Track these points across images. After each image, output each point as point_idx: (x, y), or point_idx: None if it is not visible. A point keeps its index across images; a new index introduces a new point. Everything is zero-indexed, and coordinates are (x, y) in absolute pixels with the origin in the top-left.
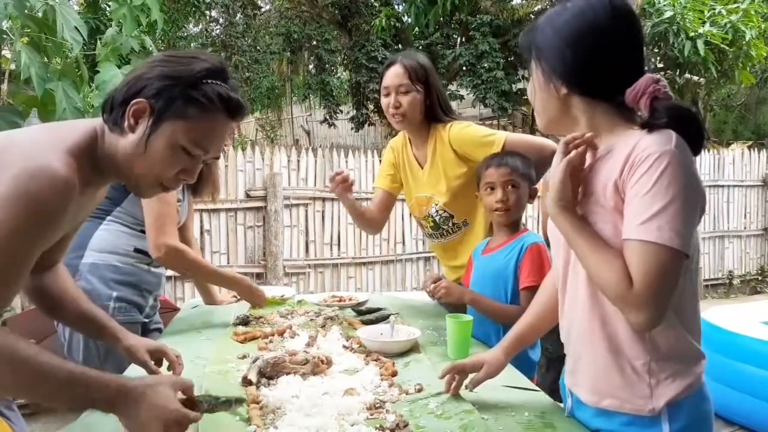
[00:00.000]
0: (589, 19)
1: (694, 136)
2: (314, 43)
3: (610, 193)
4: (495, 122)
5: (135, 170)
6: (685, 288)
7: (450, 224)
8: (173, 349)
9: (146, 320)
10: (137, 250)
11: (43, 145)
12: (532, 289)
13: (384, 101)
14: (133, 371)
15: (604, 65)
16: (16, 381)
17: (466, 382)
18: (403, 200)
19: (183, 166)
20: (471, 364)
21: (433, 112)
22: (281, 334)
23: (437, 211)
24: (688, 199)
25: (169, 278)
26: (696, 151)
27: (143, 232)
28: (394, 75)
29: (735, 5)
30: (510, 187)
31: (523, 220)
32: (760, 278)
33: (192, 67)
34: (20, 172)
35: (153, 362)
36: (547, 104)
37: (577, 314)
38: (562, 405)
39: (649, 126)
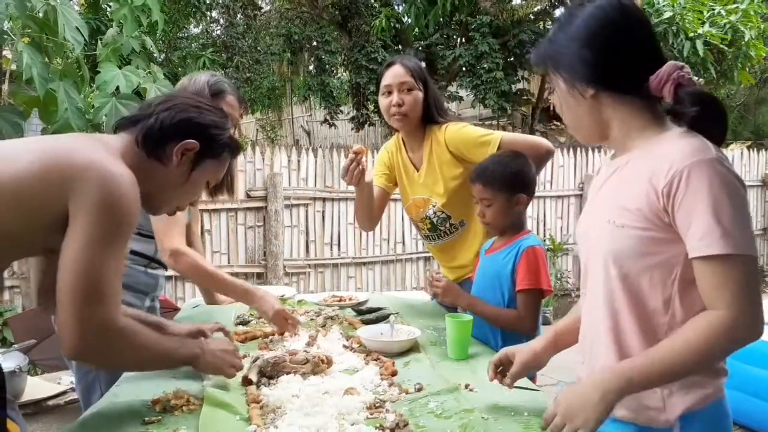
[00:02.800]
0: (599, 17)
1: (717, 123)
2: (314, 44)
3: (651, 201)
4: (495, 122)
5: (168, 196)
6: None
7: (447, 225)
8: (211, 324)
9: None
10: (133, 252)
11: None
12: (527, 292)
13: (384, 101)
14: None
15: (623, 56)
16: (137, 358)
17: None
18: (400, 200)
19: (198, 195)
20: (504, 356)
21: (430, 114)
22: (281, 333)
23: (435, 213)
24: (741, 200)
25: (169, 278)
26: (720, 139)
27: (140, 234)
28: (395, 74)
29: (734, 6)
30: (485, 204)
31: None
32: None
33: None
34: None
35: None
36: (577, 112)
37: (589, 320)
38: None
39: (675, 114)
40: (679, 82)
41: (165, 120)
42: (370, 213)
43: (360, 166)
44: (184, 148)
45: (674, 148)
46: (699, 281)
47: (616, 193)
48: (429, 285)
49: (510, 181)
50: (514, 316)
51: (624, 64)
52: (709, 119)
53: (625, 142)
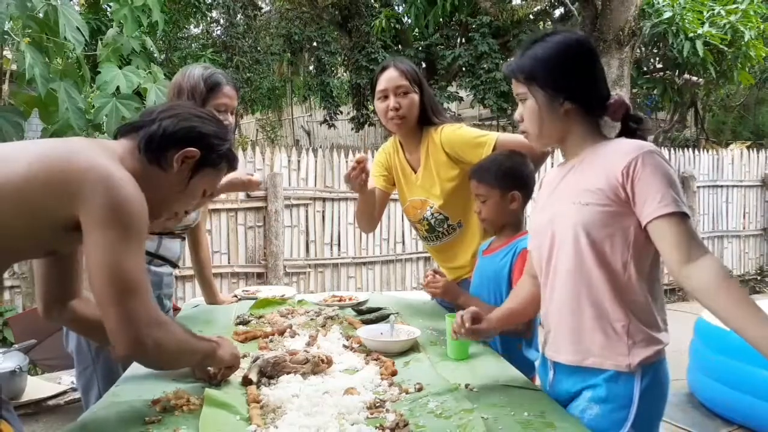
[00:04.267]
0: (573, 47)
1: (640, 134)
2: (314, 44)
3: (610, 182)
4: (494, 123)
5: (166, 202)
6: (654, 262)
7: (445, 226)
8: (217, 337)
9: None
10: None
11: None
12: None
13: (381, 105)
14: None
15: (596, 82)
16: (177, 351)
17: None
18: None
19: (194, 204)
20: (476, 313)
21: (426, 115)
22: (281, 333)
23: (432, 214)
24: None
25: None
26: (635, 134)
27: None
28: (390, 77)
29: (734, 6)
30: (480, 200)
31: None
32: (758, 278)
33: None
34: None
35: None
36: (549, 121)
37: (560, 288)
38: (537, 384)
39: (627, 128)
40: (627, 108)
41: (168, 127)
42: (371, 216)
43: (363, 174)
44: (185, 155)
45: (625, 144)
46: (661, 239)
47: (577, 182)
48: (426, 285)
49: (503, 177)
50: None
51: (595, 89)
52: (635, 132)
53: (577, 148)
